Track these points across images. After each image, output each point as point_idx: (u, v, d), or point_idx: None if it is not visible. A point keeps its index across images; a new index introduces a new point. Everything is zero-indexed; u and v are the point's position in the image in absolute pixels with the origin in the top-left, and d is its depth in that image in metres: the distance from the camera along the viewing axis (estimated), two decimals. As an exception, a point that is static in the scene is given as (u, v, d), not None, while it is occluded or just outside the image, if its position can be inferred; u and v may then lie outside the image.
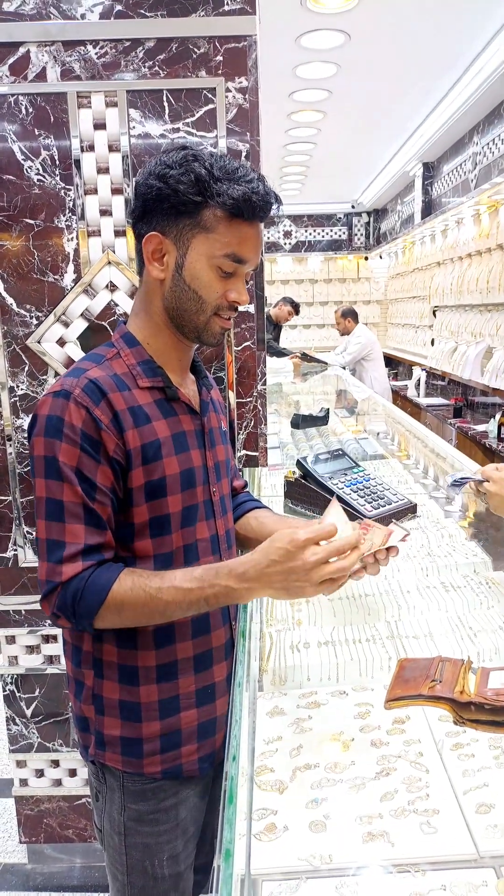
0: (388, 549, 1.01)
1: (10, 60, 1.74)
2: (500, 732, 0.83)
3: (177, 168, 1.01)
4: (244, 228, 1.04)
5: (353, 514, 1.40)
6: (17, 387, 1.89)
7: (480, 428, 4.54)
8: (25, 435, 1.91)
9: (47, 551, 1.02)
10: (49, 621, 1.96)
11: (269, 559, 0.94)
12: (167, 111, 1.77)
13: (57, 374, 1.88)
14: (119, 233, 1.82)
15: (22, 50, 1.74)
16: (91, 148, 1.79)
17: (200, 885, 1.36)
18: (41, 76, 1.75)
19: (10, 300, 1.85)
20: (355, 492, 1.46)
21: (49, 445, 1.02)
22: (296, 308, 6.55)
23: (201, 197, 1.01)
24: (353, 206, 9.42)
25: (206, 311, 1.07)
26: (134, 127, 1.78)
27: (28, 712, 2.06)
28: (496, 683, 0.81)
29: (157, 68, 1.75)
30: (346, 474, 1.51)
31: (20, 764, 2.09)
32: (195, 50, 1.74)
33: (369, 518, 1.37)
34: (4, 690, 2.06)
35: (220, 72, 1.74)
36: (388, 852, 0.90)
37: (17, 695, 2.05)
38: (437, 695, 0.81)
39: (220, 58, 1.74)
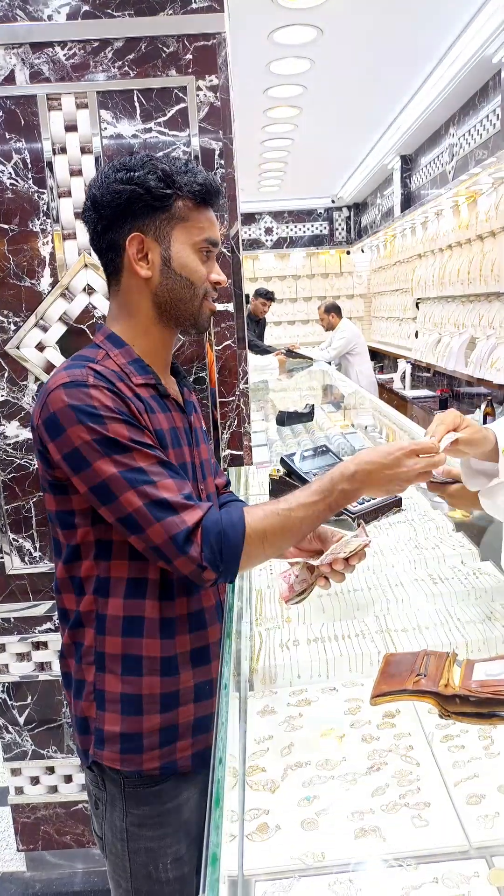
0: (346, 558, 1.07)
1: (-22, 64, 1.72)
2: (485, 724, 0.83)
3: (140, 169, 1.06)
4: (209, 213, 1.11)
5: (338, 510, 1.39)
6: (-2, 394, 1.87)
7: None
8: (8, 442, 1.89)
9: (155, 513, 0.99)
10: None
11: (381, 461, 1.02)
12: (139, 111, 1.76)
13: (38, 379, 1.87)
14: (95, 235, 1.81)
15: (-11, 53, 1.72)
16: (63, 150, 1.77)
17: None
18: (10, 79, 1.73)
19: (-14, 306, 1.83)
20: (340, 487, 1.46)
21: (92, 429, 0.99)
22: (268, 297, 6.51)
23: (171, 189, 1.06)
24: (333, 201, 9.42)
25: (199, 295, 1.12)
26: (106, 128, 1.76)
27: (21, 720, 2.04)
28: (481, 675, 0.82)
29: (126, 68, 1.74)
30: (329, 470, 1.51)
31: (15, 772, 2.08)
32: (164, 49, 1.73)
33: (354, 513, 1.37)
34: (-4, 699, 2.04)
35: (190, 70, 1.74)
36: (380, 847, 0.90)
37: (10, 703, 2.04)
38: (421, 689, 0.82)
39: (189, 56, 1.73)
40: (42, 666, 2.03)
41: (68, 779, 2.08)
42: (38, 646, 2.02)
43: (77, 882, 2.14)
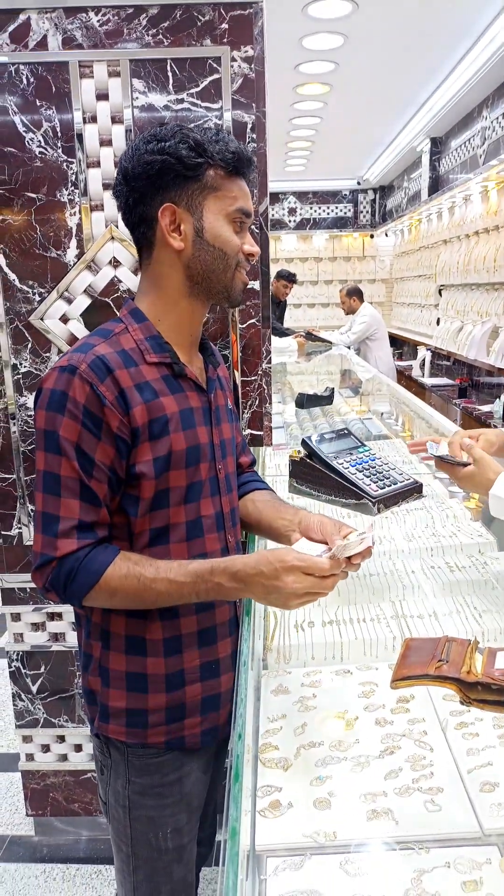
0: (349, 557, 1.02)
1: (10, 28, 1.70)
2: (506, 712, 0.82)
3: (171, 139, 1.05)
4: (241, 183, 1.10)
5: (359, 493, 1.39)
6: (21, 364, 1.87)
7: (486, 408, 4.51)
8: (29, 413, 1.89)
9: (43, 524, 1.04)
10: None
11: (259, 569, 0.98)
12: (171, 81, 1.72)
13: (60, 351, 1.86)
14: (122, 207, 1.79)
15: (22, 17, 1.69)
16: (94, 119, 1.75)
17: (203, 858, 1.38)
18: (42, 44, 1.70)
19: (12, 276, 1.82)
20: (361, 471, 1.44)
21: (51, 419, 1.03)
22: (290, 279, 6.45)
23: (203, 158, 1.05)
24: (358, 183, 9.28)
25: (232, 266, 1.10)
26: (137, 98, 1.74)
27: (34, 688, 2.07)
28: (503, 664, 0.81)
29: (160, 36, 1.70)
30: (351, 454, 1.50)
31: (26, 739, 2.11)
32: (200, 17, 1.69)
33: (374, 497, 1.36)
34: (10, 667, 2.07)
35: (225, 40, 1.70)
36: (392, 830, 0.90)
37: (23, 671, 2.06)
38: (443, 675, 0.81)
39: (225, 25, 1.69)
40: (56, 637, 2.05)
41: (78, 748, 2.11)
42: (52, 616, 2.04)
43: (83, 848, 2.18)
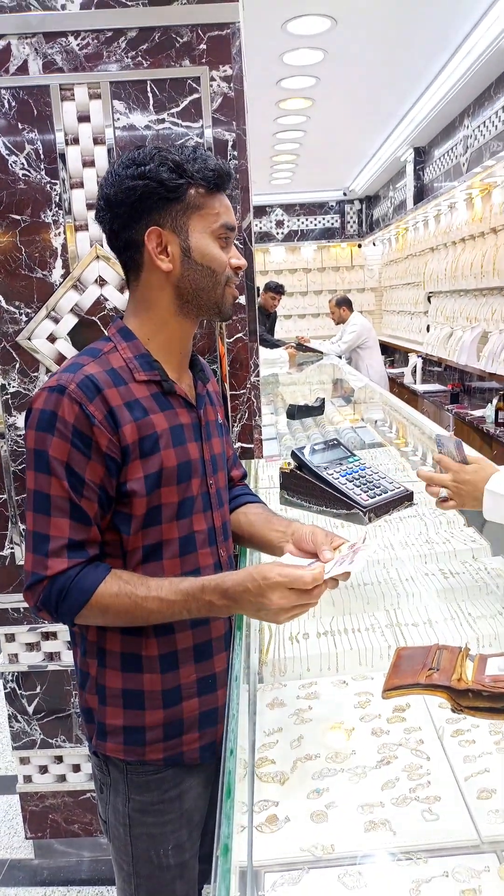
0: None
1: (-9, 54, 1.72)
2: (498, 719, 0.82)
3: (150, 163, 1.05)
4: (222, 198, 1.11)
5: (349, 504, 1.39)
6: (9, 384, 1.88)
7: (478, 413, 4.53)
8: (19, 433, 1.90)
9: (33, 543, 1.04)
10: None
11: (245, 586, 0.98)
12: (152, 101, 1.75)
13: (48, 370, 1.87)
14: (107, 226, 1.80)
15: (2, 43, 1.71)
16: (76, 141, 1.77)
17: (206, 875, 1.37)
18: (23, 69, 1.72)
19: (-1, 297, 1.83)
20: (351, 481, 1.45)
21: (41, 439, 1.03)
22: (278, 290, 6.46)
23: (183, 179, 1.06)
24: (344, 194, 9.36)
25: (221, 282, 1.11)
26: (118, 119, 1.76)
27: (30, 709, 2.06)
28: (494, 670, 0.81)
29: (140, 58, 1.73)
30: (341, 464, 1.50)
31: (23, 761, 2.09)
32: (178, 39, 1.72)
33: (365, 507, 1.37)
34: (5, 688, 2.06)
35: (204, 60, 1.72)
36: (390, 840, 0.90)
37: (19, 692, 2.05)
38: (434, 683, 0.81)
39: (203, 46, 1.72)
40: (51, 656, 2.04)
41: (76, 768, 2.10)
42: (47, 636, 2.03)
43: (84, 870, 2.15)
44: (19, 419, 1.89)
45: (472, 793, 0.97)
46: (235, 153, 1.77)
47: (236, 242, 1.20)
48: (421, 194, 6.65)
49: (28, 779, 2.10)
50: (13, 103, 1.74)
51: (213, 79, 1.73)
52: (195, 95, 1.74)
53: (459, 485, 1.28)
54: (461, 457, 1.32)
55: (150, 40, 1.72)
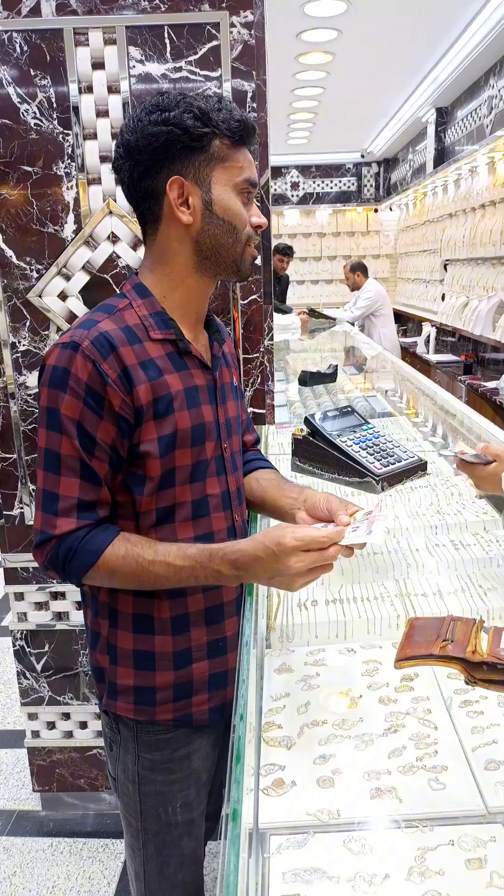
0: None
1: (3, -6, 1.65)
2: (512, 692, 0.81)
3: (175, 109, 1.01)
4: (245, 152, 1.07)
5: (362, 472, 1.37)
6: (19, 343, 1.85)
7: (491, 385, 4.47)
8: (29, 392, 1.88)
9: (43, 502, 1.03)
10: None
11: (256, 554, 0.96)
12: (169, 49, 1.67)
13: (59, 329, 1.84)
14: (120, 181, 1.75)
15: (14, -17, 1.64)
16: (90, 90, 1.70)
17: (211, 832, 1.39)
18: (35, 11, 1.65)
19: (9, 252, 1.79)
20: (364, 449, 1.42)
21: (53, 397, 1.01)
22: (286, 252, 6.29)
23: (208, 128, 1.01)
24: (362, 156, 9.12)
25: (241, 240, 1.08)
26: (134, 67, 1.69)
27: (38, 667, 2.08)
28: (509, 643, 0.80)
29: (157, 2, 1.65)
30: (354, 431, 1.48)
31: (31, 716, 2.13)
32: (198, -19, 1.64)
33: (378, 475, 1.34)
34: (14, 646, 2.08)
35: (224, 5, 1.65)
36: (396, 808, 0.90)
37: (27, 650, 2.07)
38: (448, 654, 0.80)
39: (224, -11, 1.64)
40: (60, 615, 2.05)
41: (83, 725, 2.13)
42: (56, 595, 2.04)
43: (89, 823, 2.20)
44: (30, 378, 1.86)
45: (480, 763, 0.96)
46: (255, 105, 1.70)
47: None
48: (441, 157, 6.46)
49: (36, 734, 2.14)
50: (25, 48, 1.68)
51: (233, 25, 1.65)
52: (214, 42, 1.66)
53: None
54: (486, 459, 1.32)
55: (168, -18, 1.64)
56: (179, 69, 1.69)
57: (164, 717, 1.15)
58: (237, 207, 1.06)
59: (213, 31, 1.66)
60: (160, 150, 1.02)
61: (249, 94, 1.70)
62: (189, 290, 1.11)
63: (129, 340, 1.03)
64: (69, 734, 2.14)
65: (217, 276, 1.12)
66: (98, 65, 1.69)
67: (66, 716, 2.13)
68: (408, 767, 0.96)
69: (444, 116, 6.39)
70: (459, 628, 0.84)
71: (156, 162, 1.03)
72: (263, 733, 1.06)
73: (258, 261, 1.81)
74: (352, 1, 3.92)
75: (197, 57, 1.68)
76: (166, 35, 1.67)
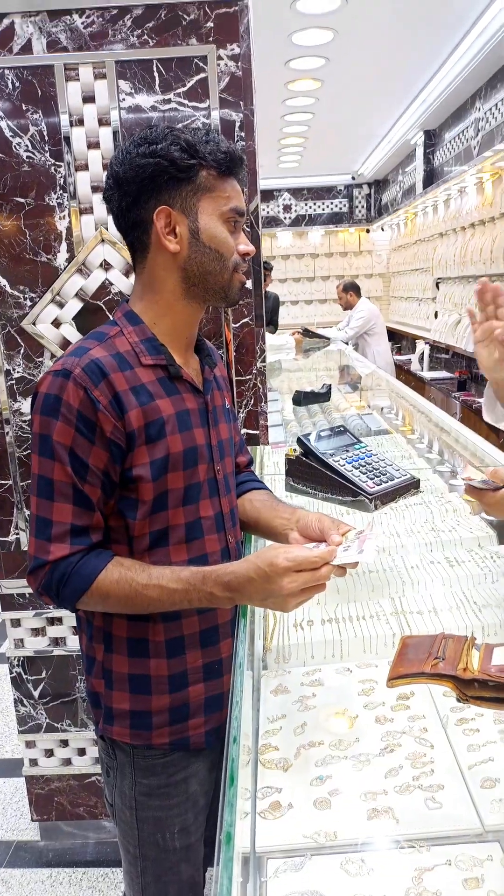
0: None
1: (-5, 32, 1.69)
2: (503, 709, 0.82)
3: (162, 141, 1.04)
4: (233, 182, 1.09)
5: (355, 491, 1.38)
6: (14, 370, 1.87)
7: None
8: (24, 418, 1.89)
9: (36, 528, 1.05)
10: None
11: (249, 576, 0.97)
12: (158, 81, 1.72)
13: (53, 355, 1.86)
14: (112, 209, 1.78)
15: (6, 21, 1.68)
16: (80, 122, 1.74)
17: (210, 857, 1.38)
18: (27, 48, 1.70)
19: (3, 281, 1.82)
20: (357, 468, 1.44)
21: (45, 423, 1.03)
22: (265, 267, 6.34)
23: (195, 159, 1.04)
24: (353, 178, 9.25)
25: (229, 267, 1.10)
26: (124, 99, 1.73)
27: (35, 693, 2.07)
28: (500, 660, 0.80)
29: (146, 37, 1.70)
30: (347, 451, 1.49)
31: (29, 744, 2.11)
32: (185, 16, 1.68)
33: (371, 494, 1.36)
34: (11, 673, 2.07)
35: (211, 39, 1.69)
36: (393, 828, 0.90)
37: (25, 677, 2.06)
38: (439, 672, 0.81)
39: (210, 24, 1.69)
40: (56, 641, 2.04)
41: (82, 752, 2.11)
42: (52, 621, 2.03)
43: (89, 852, 2.18)
44: (24, 405, 1.88)
45: (476, 782, 0.96)
46: (243, 134, 1.74)
47: (244, 227, 1.18)
48: (431, 178, 6.56)
49: (34, 762, 2.12)
50: (17, 84, 1.72)
51: (220, 58, 1.70)
52: (202, 75, 1.71)
53: None
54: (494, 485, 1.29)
55: (156, 18, 1.69)
56: (168, 101, 1.73)
57: (161, 741, 1.15)
58: (223, 236, 1.08)
59: (201, 64, 1.70)
60: (147, 181, 1.04)
61: (237, 124, 1.74)
62: (178, 316, 1.13)
63: (119, 367, 1.04)
64: (67, 761, 2.12)
65: (206, 302, 1.15)
66: (88, 98, 1.73)
67: (65, 742, 2.11)
68: (404, 787, 0.96)
69: (432, 139, 6.51)
70: (451, 646, 0.84)
71: (143, 192, 1.05)
72: (260, 755, 1.05)
73: (249, 284, 1.84)
74: (338, 29, 4.02)
75: (185, 89, 1.72)
76: (155, 68, 1.71)
